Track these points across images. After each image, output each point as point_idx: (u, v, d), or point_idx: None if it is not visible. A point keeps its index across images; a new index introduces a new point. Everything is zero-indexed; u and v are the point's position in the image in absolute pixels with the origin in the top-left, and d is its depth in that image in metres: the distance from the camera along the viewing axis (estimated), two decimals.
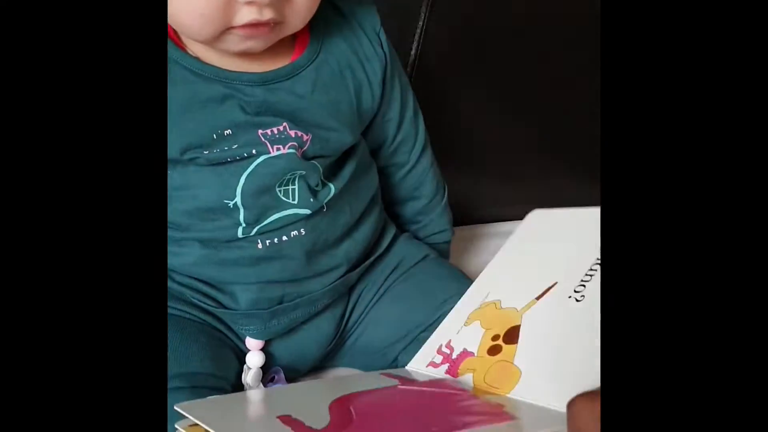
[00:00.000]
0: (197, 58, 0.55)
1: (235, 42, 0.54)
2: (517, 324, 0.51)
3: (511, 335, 0.51)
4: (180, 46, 0.55)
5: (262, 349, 0.61)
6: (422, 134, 0.70)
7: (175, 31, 0.55)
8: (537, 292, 0.53)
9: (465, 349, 0.53)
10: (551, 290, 0.52)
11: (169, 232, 0.57)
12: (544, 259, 0.56)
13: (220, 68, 0.55)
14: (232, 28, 0.52)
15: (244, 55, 0.56)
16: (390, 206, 0.73)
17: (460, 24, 0.79)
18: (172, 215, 0.56)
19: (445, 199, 0.74)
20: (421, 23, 0.76)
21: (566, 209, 0.59)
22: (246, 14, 0.51)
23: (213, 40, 0.53)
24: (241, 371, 0.60)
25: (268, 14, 0.52)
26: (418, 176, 0.71)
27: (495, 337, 0.52)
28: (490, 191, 0.91)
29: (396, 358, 0.64)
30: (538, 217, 0.62)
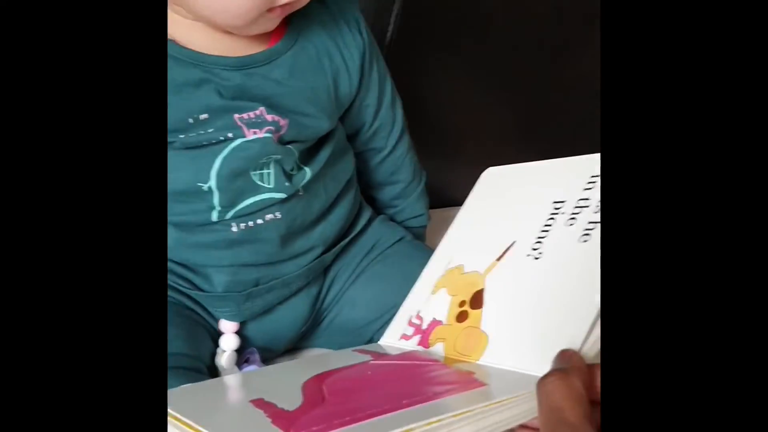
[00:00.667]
0: (174, 41, 0.55)
1: (263, 23, 0.54)
2: (481, 288, 0.52)
3: (477, 300, 0.51)
4: None
5: (238, 331, 0.62)
6: (400, 120, 0.70)
7: None
8: (497, 253, 0.53)
9: (434, 318, 0.53)
10: (510, 250, 0.52)
11: None
12: (501, 219, 0.56)
13: (197, 52, 0.55)
14: (270, 9, 0.52)
15: (224, 38, 0.56)
16: (367, 190, 0.74)
17: (436, 7, 0.79)
18: None
19: (422, 184, 0.75)
20: (397, 6, 0.76)
21: (518, 165, 0.60)
22: None
23: (248, 24, 0.53)
24: (216, 352, 0.61)
25: None
26: (396, 161, 0.72)
27: (462, 303, 0.52)
28: (467, 173, 0.92)
29: (371, 339, 0.64)
30: (491, 175, 0.62)
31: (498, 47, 0.84)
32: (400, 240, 0.70)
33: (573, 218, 0.50)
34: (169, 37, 0.55)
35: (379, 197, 0.75)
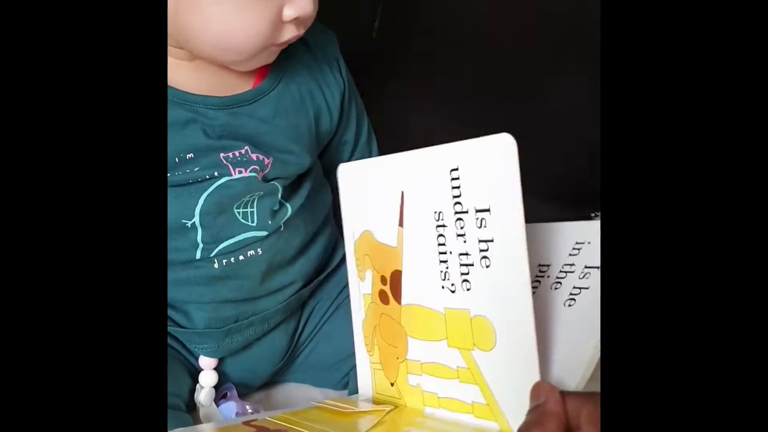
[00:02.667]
0: None
1: (263, 58, 0.55)
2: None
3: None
4: None
5: (216, 368, 0.61)
6: (375, 156, 0.71)
7: None
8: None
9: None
10: None
11: None
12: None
13: (184, 92, 0.55)
14: (271, 45, 0.54)
15: (211, 78, 0.56)
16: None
17: (410, 48, 0.81)
18: None
19: None
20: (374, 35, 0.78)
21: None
22: (288, 31, 0.53)
23: (250, 58, 0.54)
24: (195, 388, 0.61)
25: (302, 29, 0.54)
26: None
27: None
28: None
29: (347, 374, 0.64)
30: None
31: (469, 84, 0.87)
32: None
33: (558, 282, 0.50)
34: None
35: None
